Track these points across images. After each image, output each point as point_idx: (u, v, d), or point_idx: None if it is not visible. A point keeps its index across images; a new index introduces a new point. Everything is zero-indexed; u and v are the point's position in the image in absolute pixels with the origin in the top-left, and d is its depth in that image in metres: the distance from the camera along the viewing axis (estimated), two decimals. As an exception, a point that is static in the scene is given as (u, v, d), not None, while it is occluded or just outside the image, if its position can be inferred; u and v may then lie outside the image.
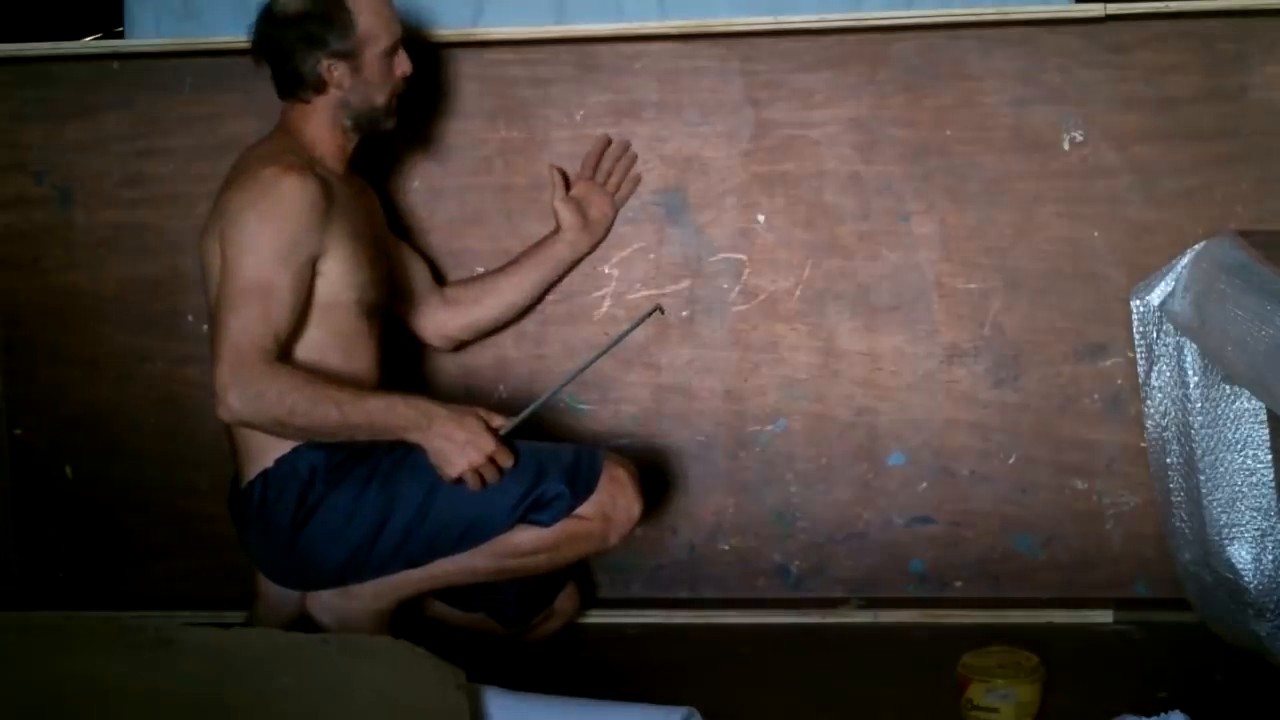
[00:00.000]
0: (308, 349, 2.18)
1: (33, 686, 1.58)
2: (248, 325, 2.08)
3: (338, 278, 2.18)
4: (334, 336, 2.20)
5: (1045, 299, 2.54)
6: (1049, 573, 2.56)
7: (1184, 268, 2.29)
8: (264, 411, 2.08)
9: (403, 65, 2.28)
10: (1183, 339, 2.29)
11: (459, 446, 2.13)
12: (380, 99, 2.26)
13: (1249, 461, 2.20)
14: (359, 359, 2.24)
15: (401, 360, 2.46)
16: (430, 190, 2.61)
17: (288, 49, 2.21)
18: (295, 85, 2.23)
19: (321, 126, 2.25)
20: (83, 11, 3.31)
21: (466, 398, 2.61)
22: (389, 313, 2.36)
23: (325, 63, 2.20)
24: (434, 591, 2.28)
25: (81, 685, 1.58)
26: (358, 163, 2.35)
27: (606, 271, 2.60)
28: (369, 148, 2.37)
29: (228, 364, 2.06)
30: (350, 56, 2.21)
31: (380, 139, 2.36)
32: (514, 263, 2.51)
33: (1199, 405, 2.25)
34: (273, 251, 2.11)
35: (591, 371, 2.60)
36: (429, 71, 2.53)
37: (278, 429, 2.12)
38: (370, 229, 2.31)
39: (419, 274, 2.49)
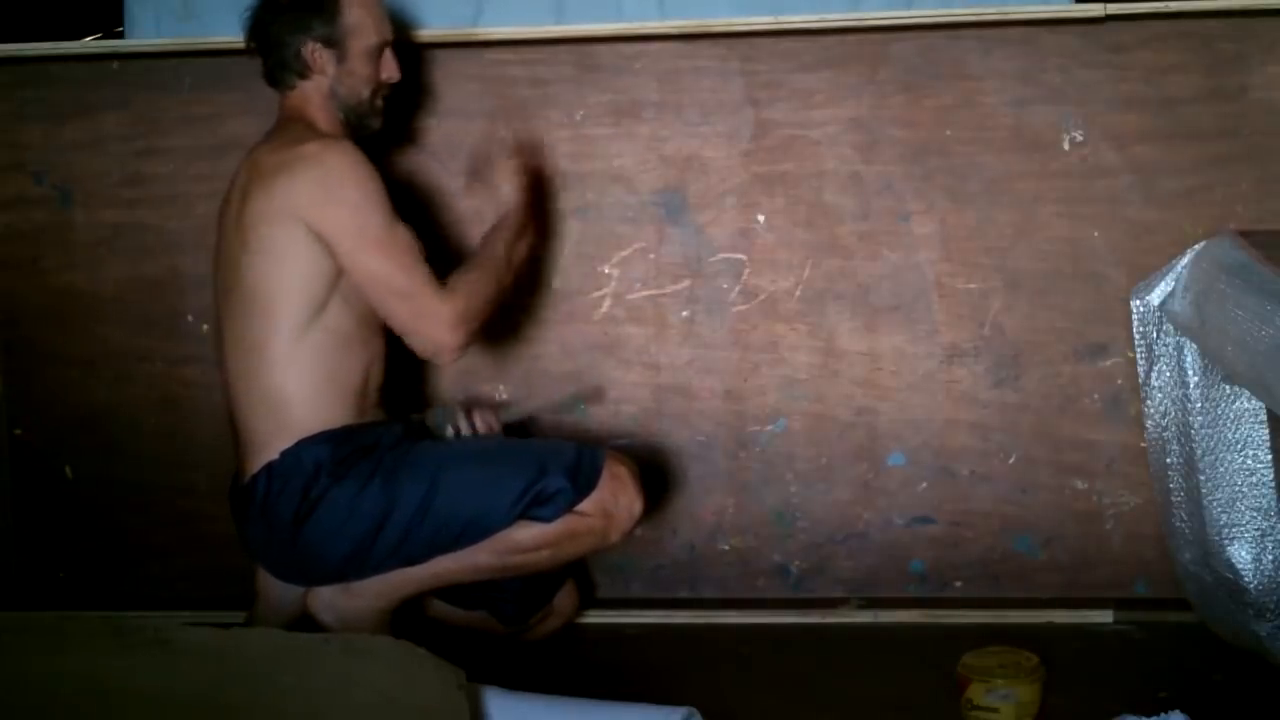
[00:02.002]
0: (333, 330, 2.17)
1: (32, 686, 1.57)
2: (413, 272, 2.15)
3: None
4: (357, 319, 2.20)
5: (1045, 299, 2.54)
6: (1049, 573, 2.56)
7: (1184, 268, 2.29)
8: (475, 321, 2.18)
9: (389, 69, 2.31)
10: (1183, 339, 2.29)
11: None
12: (365, 93, 2.29)
13: (1249, 461, 2.20)
14: (376, 344, 2.25)
15: (401, 356, 2.45)
16: (430, 190, 2.61)
17: (275, 34, 2.26)
18: (282, 69, 2.28)
19: (320, 111, 2.28)
20: (83, 11, 3.30)
21: (466, 398, 2.63)
22: None
23: (310, 45, 2.25)
24: (436, 590, 2.28)
25: (81, 685, 1.58)
26: None
27: (606, 271, 2.60)
28: (366, 148, 2.36)
29: (429, 311, 2.14)
30: (334, 44, 2.25)
31: (375, 139, 2.36)
32: None
33: (1199, 405, 2.25)
34: (380, 205, 2.16)
35: (592, 371, 2.61)
36: (429, 72, 2.53)
37: (486, 318, 2.22)
38: None
39: None
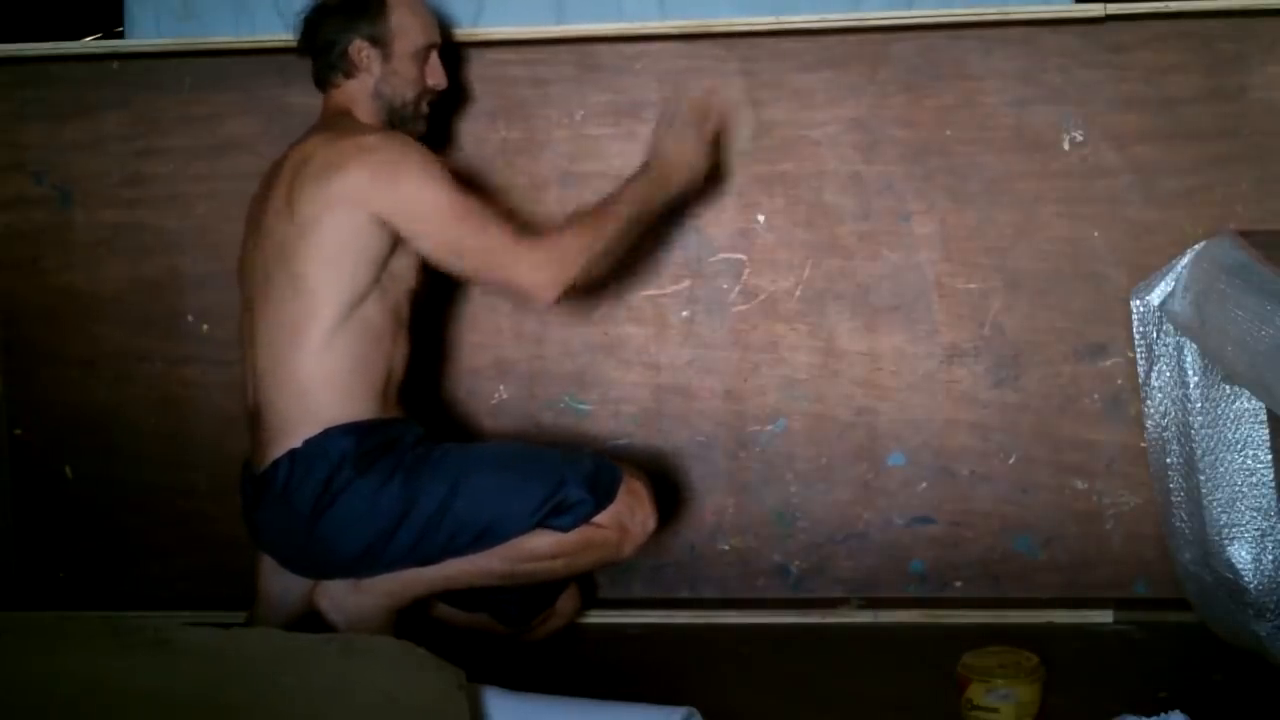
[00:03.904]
0: (367, 320, 2.19)
1: (32, 686, 1.57)
2: (485, 230, 2.18)
3: (414, 256, 2.23)
4: (390, 313, 2.22)
5: (1045, 299, 2.54)
6: (1049, 573, 2.56)
7: (1184, 268, 2.29)
8: (570, 260, 2.19)
9: (436, 75, 2.36)
10: (1183, 339, 2.29)
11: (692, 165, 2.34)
12: (410, 94, 2.33)
13: (1249, 461, 2.20)
14: (402, 340, 2.26)
15: (417, 356, 2.45)
16: (430, 190, 2.61)
17: (324, 34, 2.31)
18: (329, 69, 2.32)
19: (365, 110, 2.31)
20: (83, 11, 3.31)
21: (467, 398, 2.63)
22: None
23: (357, 43, 2.29)
24: (445, 592, 2.28)
25: (81, 685, 1.58)
26: None
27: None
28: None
29: (510, 260, 2.17)
30: (380, 43, 2.30)
31: None
32: None
33: (1199, 405, 2.25)
34: (444, 182, 2.19)
35: (592, 371, 2.61)
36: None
37: (591, 268, 2.22)
38: None
39: None
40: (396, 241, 2.19)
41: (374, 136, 2.22)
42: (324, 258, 2.16)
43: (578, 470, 2.19)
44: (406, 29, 2.31)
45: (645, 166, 2.32)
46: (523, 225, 2.24)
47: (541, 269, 2.18)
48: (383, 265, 2.19)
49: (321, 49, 2.32)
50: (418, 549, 2.17)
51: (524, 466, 2.20)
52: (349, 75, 2.31)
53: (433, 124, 2.57)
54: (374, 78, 2.30)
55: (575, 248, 2.21)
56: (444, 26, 2.43)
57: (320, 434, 2.15)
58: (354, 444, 2.15)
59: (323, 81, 2.34)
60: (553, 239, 2.21)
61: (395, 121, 2.32)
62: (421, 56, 2.33)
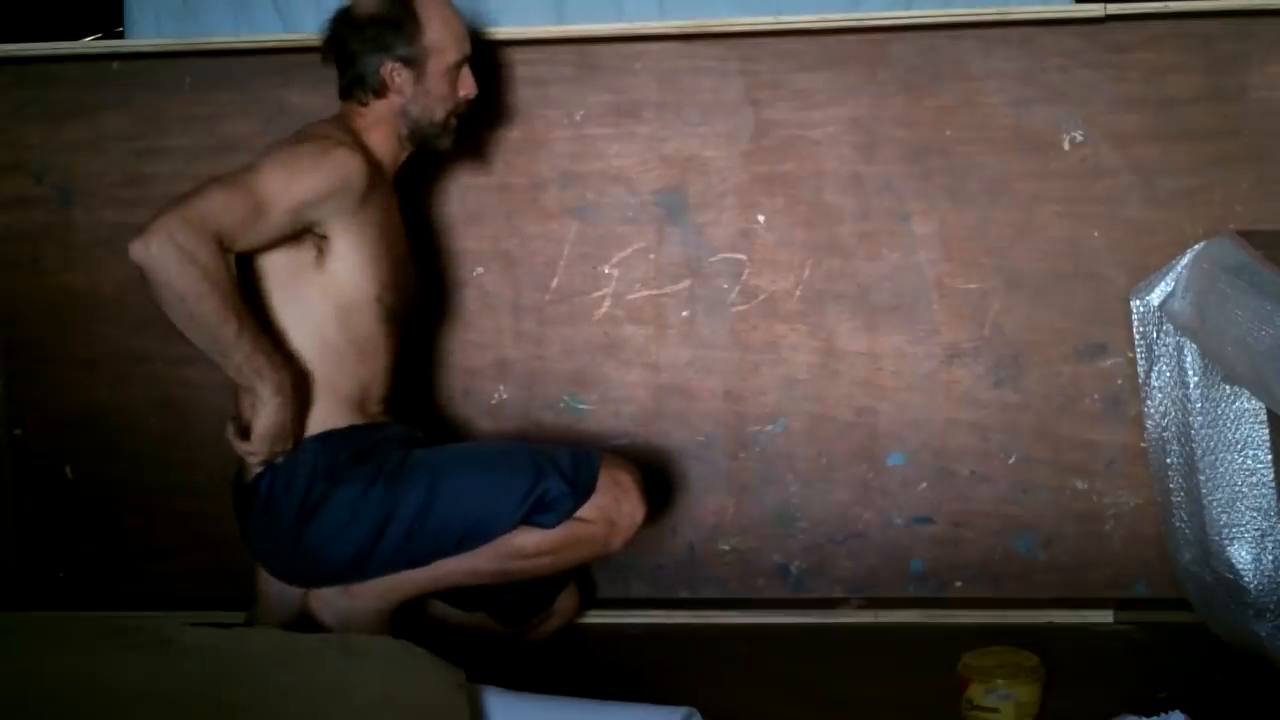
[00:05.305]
0: (328, 350, 2.19)
1: (32, 686, 1.58)
2: (227, 211, 2.01)
3: (356, 268, 2.18)
4: (353, 341, 2.21)
5: (1045, 299, 2.54)
6: (1049, 573, 2.56)
7: (1184, 268, 2.30)
8: (177, 275, 1.96)
9: (467, 86, 2.30)
10: (1183, 339, 2.29)
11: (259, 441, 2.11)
12: (440, 113, 2.28)
13: (1249, 461, 2.20)
14: (376, 363, 2.25)
15: (408, 365, 2.45)
16: (430, 190, 2.61)
17: (354, 49, 2.24)
18: (356, 86, 2.25)
19: (378, 133, 2.26)
20: (83, 11, 3.31)
21: (466, 398, 2.63)
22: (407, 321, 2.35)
23: (389, 65, 2.23)
24: (436, 592, 2.28)
25: (81, 685, 1.58)
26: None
27: (606, 271, 2.60)
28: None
29: (182, 215, 1.97)
30: (414, 64, 2.24)
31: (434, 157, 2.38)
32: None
33: (1199, 405, 2.25)
34: (291, 184, 2.08)
35: (592, 371, 2.61)
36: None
37: (168, 297, 1.99)
38: (403, 238, 2.31)
39: None
40: (317, 241, 2.15)
41: (327, 141, 2.15)
42: (267, 274, 2.16)
43: (554, 464, 2.19)
44: (442, 47, 2.24)
45: (263, 394, 2.08)
46: (233, 238, 2.03)
47: (163, 233, 1.95)
48: (316, 270, 2.16)
49: (349, 64, 2.25)
50: (404, 553, 2.17)
51: (501, 464, 2.20)
52: (379, 95, 2.24)
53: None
54: (404, 99, 2.24)
55: (190, 278, 1.96)
56: (474, 31, 2.40)
57: (296, 447, 2.15)
58: (328, 454, 2.16)
59: (349, 96, 2.28)
60: (204, 258, 1.97)
61: (417, 136, 2.28)
62: (454, 72, 2.27)
